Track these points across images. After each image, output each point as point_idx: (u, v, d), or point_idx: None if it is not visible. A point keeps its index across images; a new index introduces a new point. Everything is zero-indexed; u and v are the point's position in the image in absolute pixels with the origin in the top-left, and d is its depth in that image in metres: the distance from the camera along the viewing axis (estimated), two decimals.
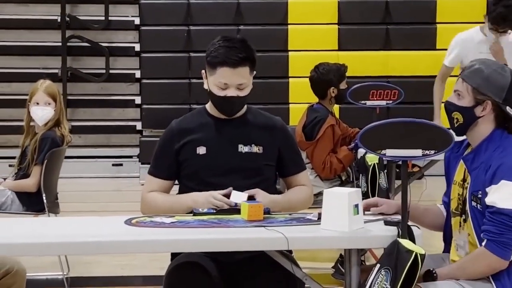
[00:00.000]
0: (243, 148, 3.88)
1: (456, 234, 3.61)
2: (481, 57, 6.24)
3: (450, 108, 3.60)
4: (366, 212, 3.58)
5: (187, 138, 3.89)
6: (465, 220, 3.53)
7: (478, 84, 3.52)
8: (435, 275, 3.40)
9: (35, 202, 5.80)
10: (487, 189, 3.41)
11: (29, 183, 5.78)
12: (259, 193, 3.75)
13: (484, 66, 3.55)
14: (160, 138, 3.99)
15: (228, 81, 3.80)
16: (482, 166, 3.46)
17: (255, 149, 3.88)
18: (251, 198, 3.71)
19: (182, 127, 3.93)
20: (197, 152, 3.86)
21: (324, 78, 6.10)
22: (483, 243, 3.40)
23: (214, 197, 3.70)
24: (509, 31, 6.26)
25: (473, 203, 3.47)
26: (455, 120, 3.58)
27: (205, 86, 3.91)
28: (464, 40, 6.43)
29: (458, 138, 3.57)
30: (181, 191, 3.96)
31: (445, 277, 3.42)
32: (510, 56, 6.19)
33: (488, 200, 3.39)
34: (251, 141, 3.89)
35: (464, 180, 3.56)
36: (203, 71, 3.93)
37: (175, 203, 3.83)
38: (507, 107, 3.50)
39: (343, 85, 6.12)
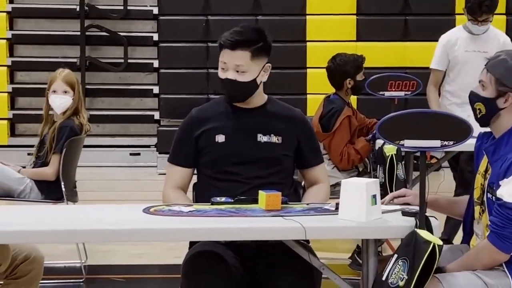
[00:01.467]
0: (262, 138, 3.88)
1: (476, 223, 3.61)
2: (468, 55, 6.27)
3: (473, 99, 3.58)
4: (390, 202, 3.58)
5: (206, 126, 3.90)
6: (483, 211, 3.53)
7: (501, 74, 3.50)
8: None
9: (53, 191, 5.83)
10: (500, 182, 3.41)
11: (48, 172, 5.80)
12: None
13: (509, 57, 3.53)
14: (180, 126, 4.01)
15: (227, 61, 3.84)
16: (502, 158, 3.45)
17: (274, 139, 3.89)
18: None
19: (202, 115, 3.95)
20: (216, 140, 3.87)
21: (341, 69, 6.09)
22: (487, 234, 3.40)
23: None
24: (490, 18, 6.19)
25: (489, 195, 3.47)
26: (478, 111, 3.57)
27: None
28: (448, 41, 6.36)
29: (485, 129, 3.56)
30: (199, 179, 3.97)
31: (455, 271, 3.42)
32: None
33: (498, 193, 3.39)
34: (270, 131, 3.89)
35: (486, 171, 3.55)
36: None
37: None
38: None
39: (359, 77, 6.11)
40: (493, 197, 3.43)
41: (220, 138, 3.89)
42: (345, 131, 6.01)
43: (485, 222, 3.50)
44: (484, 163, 3.59)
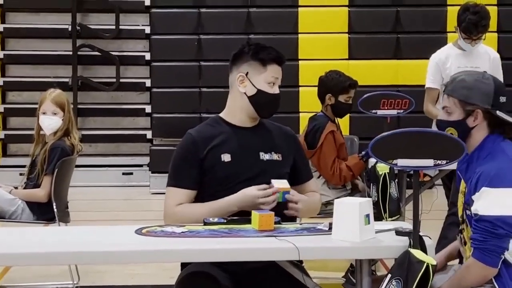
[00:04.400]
0: (264, 156, 3.90)
1: (458, 240, 3.61)
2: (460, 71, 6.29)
3: (442, 125, 3.61)
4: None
5: (211, 145, 3.88)
6: (463, 229, 3.54)
7: (464, 95, 3.54)
8: None
9: (45, 211, 5.79)
10: (472, 197, 3.42)
11: (40, 194, 5.77)
12: (293, 191, 3.80)
13: (465, 77, 3.60)
14: (179, 149, 3.92)
15: (279, 76, 3.95)
16: (473, 174, 3.46)
17: (275, 156, 3.91)
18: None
19: (203, 135, 3.91)
20: (222, 159, 3.85)
21: (327, 84, 6.10)
22: (471, 252, 3.40)
23: (261, 196, 3.72)
24: (483, 36, 6.22)
25: (467, 212, 3.47)
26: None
27: (243, 90, 3.90)
28: (440, 59, 6.37)
29: None
30: (200, 198, 3.89)
31: None
32: (494, 72, 6.10)
33: (473, 209, 3.41)
34: (271, 148, 3.92)
35: (465, 188, 3.56)
36: (241, 73, 3.91)
37: (215, 211, 3.77)
38: (497, 112, 3.51)
39: (343, 98, 6.06)
40: (471, 213, 3.44)
41: (226, 157, 3.87)
42: (331, 146, 6.00)
43: (467, 236, 3.50)
44: (463, 181, 3.61)
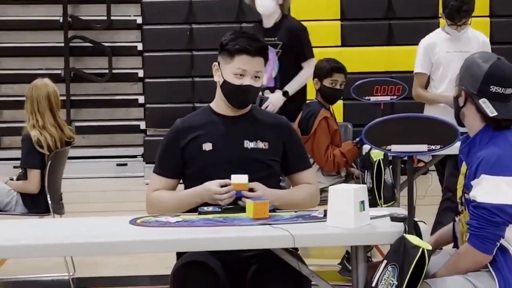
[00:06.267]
0: (249, 144, 3.87)
1: (457, 222, 3.61)
2: (450, 56, 6.30)
3: None
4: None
5: (192, 135, 3.88)
6: (462, 211, 3.53)
7: (461, 73, 3.53)
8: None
9: (39, 204, 5.79)
10: (472, 183, 3.41)
11: (29, 187, 5.77)
12: (259, 186, 3.74)
13: (474, 55, 3.56)
14: (165, 137, 3.98)
15: (248, 68, 3.82)
16: (474, 158, 3.45)
17: (261, 145, 3.88)
18: (251, 190, 3.71)
19: (187, 125, 3.93)
20: (203, 149, 3.85)
21: (314, 70, 6.13)
22: (466, 238, 3.39)
23: (217, 192, 3.70)
24: (468, 22, 6.23)
25: (466, 195, 3.46)
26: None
27: (217, 79, 3.92)
28: (429, 44, 6.38)
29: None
30: (187, 188, 3.92)
31: (441, 276, 3.41)
32: None
33: (471, 194, 3.40)
34: (257, 137, 3.88)
35: (466, 171, 3.55)
36: (215, 63, 3.93)
37: (181, 200, 3.82)
38: (480, 100, 3.44)
39: (327, 82, 6.06)
40: (470, 198, 3.43)
41: (207, 146, 3.86)
42: (324, 132, 6.00)
43: (464, 221, 3.49)
44: (464, 163, 3.60)
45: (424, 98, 6.43)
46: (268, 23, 6.57)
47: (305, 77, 6.41)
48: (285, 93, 6.34)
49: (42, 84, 5.96)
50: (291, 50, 6.37)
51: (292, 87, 6.36)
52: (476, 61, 3.50)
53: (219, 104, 3.95)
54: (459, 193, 3.60)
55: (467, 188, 3.44)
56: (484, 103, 3.45)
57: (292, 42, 6.38)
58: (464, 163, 3.57)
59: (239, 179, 3.71)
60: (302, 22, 6.66)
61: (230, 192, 3.71)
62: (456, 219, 3.61)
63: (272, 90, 6.45)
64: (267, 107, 6.20)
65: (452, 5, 6.14)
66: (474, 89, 3.46)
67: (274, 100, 6.33)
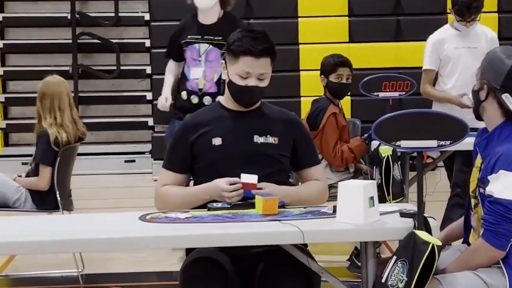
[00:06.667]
0: (258, 139, 3.87)
1: (470, 215, 3.60)
2: (459, 52, 6.29)
3: None
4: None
5: (202, 130, 3.88)
6: (477, 204, 3.52)
7: (483, 67, 3.52)
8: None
9: (48, 200, 5.80)
10: (489, 177, 3.40)
11: (38, 183, 5.76)
12: (267, 185, 3.74)
13: (495, 50, 3.55)
14: (174, 133, 3.99)
15: (251, 70, 3.80)
16: (491, 153, 3.44)
17: (271, 139, 3.88)
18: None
19: (197, 120, 3.93)
20: (213, 143, 3.85)
21: (320, 66, 6.11)
22: (481, 233, 3.39)
23: (224, 190, 3.70)
24: (477, 18, 6.23)
25: (481, 189, 3.45)
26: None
27: (224, 76, 3.92)
28: (437, 40, 6.37)
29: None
30: (197, 183, 3.91)
31: (453, 271, 3.40)
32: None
33: (488, 189, 3.38)
34: (267, 132, 3.88)
35: (481, 164, 3.54)
36: (222, 61, 3.93)
37: (189, 196, 3.82)
38: (504, 95, 3.45)
39: (332, 77, 6.04)
40: (485, 192, 3.42)
41: (217, 141, 3.86)
42: (332, 128, 5.99)
43: (479, 214, 3.48)
44: (479, 157, 3.59)
45: (432, 96, 6.42)
46: (206, 19, 6.36)
47: None
48: None
49: (60, 81, 5.95)
50: None
51: None
52: (499, 55, 3.50)
53: (228, 100, 3.95)
54: (472, 186, 3.60)
55: (483, 182, 3.43)
56: (507, 98, 3.46)
57: None
58: (479, 156, 3.56)
59: (249, 178, 3.70)
60: (310, 19, 6.64)
61: (238, 191, 3.70)
62: (472, 212, 3.60)
63: (213, 96, 6.25)
64: None
65: (462, 2, 6.14)
66: (498, 84, 3.46)
67: None
